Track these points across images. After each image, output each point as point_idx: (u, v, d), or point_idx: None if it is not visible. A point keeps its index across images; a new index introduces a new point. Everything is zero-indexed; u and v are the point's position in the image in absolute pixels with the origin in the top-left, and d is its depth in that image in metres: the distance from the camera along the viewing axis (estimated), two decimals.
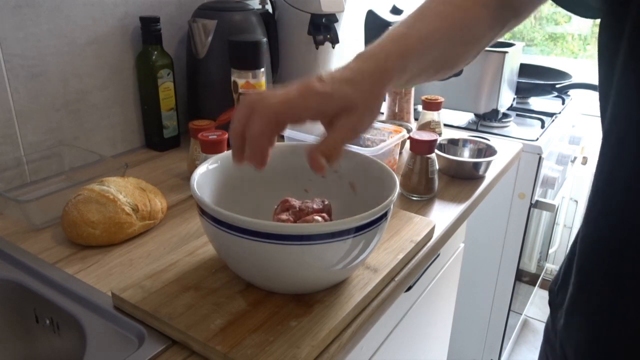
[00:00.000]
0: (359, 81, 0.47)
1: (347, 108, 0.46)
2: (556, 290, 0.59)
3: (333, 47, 1.18)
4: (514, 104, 1.58)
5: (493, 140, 1.03)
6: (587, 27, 2.03)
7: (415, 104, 1.17)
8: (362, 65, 0.48)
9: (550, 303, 0.60)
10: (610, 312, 0.49)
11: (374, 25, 1.37)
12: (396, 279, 0.65)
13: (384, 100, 1.13)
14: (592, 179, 0.50)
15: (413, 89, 1.11)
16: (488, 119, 1.42)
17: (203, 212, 0.53)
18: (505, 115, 1.45)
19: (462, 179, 0.94)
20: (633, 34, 0.42)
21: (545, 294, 2.42)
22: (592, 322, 0.51)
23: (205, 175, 0.61)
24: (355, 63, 0.49)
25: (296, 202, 0.60)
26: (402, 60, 0.50)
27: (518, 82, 1.52)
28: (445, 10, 0.55)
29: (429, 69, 0.55)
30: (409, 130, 0.96)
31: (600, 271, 0.49)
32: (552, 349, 0.58)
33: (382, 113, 1.16)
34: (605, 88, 0.48)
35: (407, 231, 0.71)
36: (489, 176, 0.95)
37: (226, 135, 0.78)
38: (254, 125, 0.46)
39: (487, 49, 0.65)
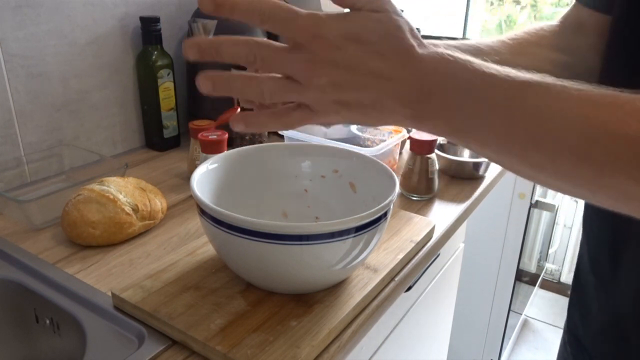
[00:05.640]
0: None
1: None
2: None
3: None
4: None
5: None
6: None
7: None
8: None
9: None
10: None
11: None
12: (396, 279, 0.65)
13: None
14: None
15: None
16: None
17: (203, 212, 0.53)
18: None
19: (462, 179, 0.94)
20: None
21: (545, 294, 2.42)
22: None
23: (205, 175, 0.61)
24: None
25: None
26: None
27: None
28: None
29: None
30: (409, 130, 0.96)
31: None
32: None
33: None
34: None
35: (407, 231, 0.71)
36: (489, 176, 0.95)
37: (226, 136, 0.78)
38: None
39: None
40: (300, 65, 0.35)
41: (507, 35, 0.58)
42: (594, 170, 0.32)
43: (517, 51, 0.56)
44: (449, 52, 0.36)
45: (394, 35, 0.36)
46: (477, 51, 0.53)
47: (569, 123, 0.33)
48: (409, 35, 0.36)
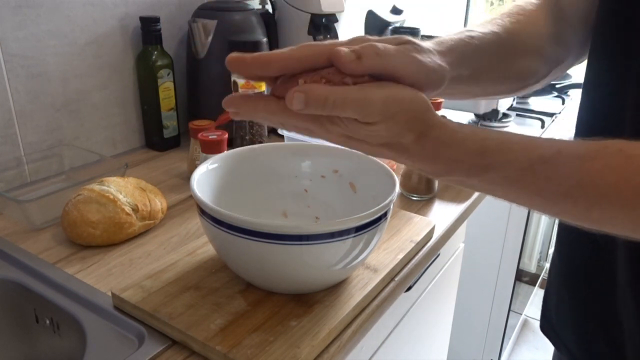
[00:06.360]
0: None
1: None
2: None
3: None
4: (514, 104, 1.58)
5: None
6: None
7: None
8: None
9: None
10: None
11: (374, 25, 1.37)
12: (396, 279, 0.65)
13: None
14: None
15: None
16: (488, 119, 1.42)
17: (203, 212, 0.53)
18: (505, 115, 1.45)
19: None
20: None
21: None
22: None
23: (205, 175, 0.61)
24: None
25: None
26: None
27: None
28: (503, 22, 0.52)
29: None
30: None
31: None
32: None
33: None
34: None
35: (407, 231, 0.71)
36: None
37: (226, 135, 0.78)
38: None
39: None
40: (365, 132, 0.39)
41: (509, 13, 0.55)
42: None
43: (516, 32, 0.54)
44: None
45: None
46: (478, 50, 0.51)
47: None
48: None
